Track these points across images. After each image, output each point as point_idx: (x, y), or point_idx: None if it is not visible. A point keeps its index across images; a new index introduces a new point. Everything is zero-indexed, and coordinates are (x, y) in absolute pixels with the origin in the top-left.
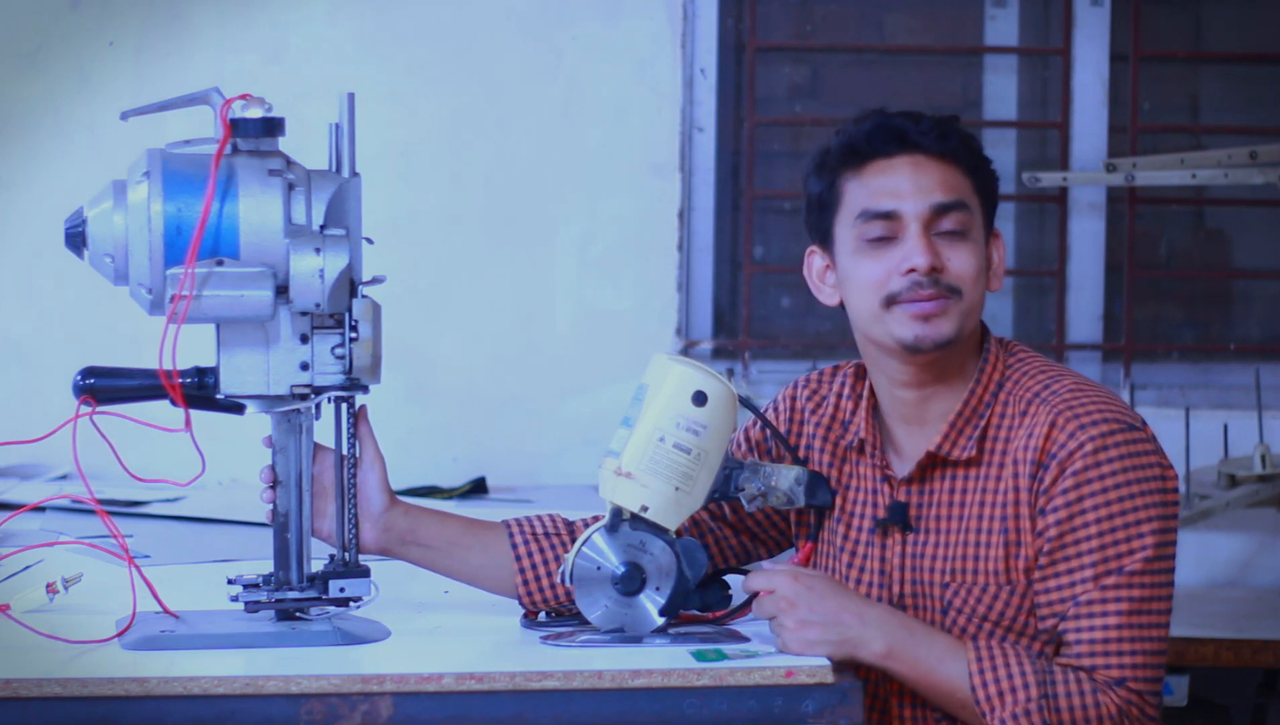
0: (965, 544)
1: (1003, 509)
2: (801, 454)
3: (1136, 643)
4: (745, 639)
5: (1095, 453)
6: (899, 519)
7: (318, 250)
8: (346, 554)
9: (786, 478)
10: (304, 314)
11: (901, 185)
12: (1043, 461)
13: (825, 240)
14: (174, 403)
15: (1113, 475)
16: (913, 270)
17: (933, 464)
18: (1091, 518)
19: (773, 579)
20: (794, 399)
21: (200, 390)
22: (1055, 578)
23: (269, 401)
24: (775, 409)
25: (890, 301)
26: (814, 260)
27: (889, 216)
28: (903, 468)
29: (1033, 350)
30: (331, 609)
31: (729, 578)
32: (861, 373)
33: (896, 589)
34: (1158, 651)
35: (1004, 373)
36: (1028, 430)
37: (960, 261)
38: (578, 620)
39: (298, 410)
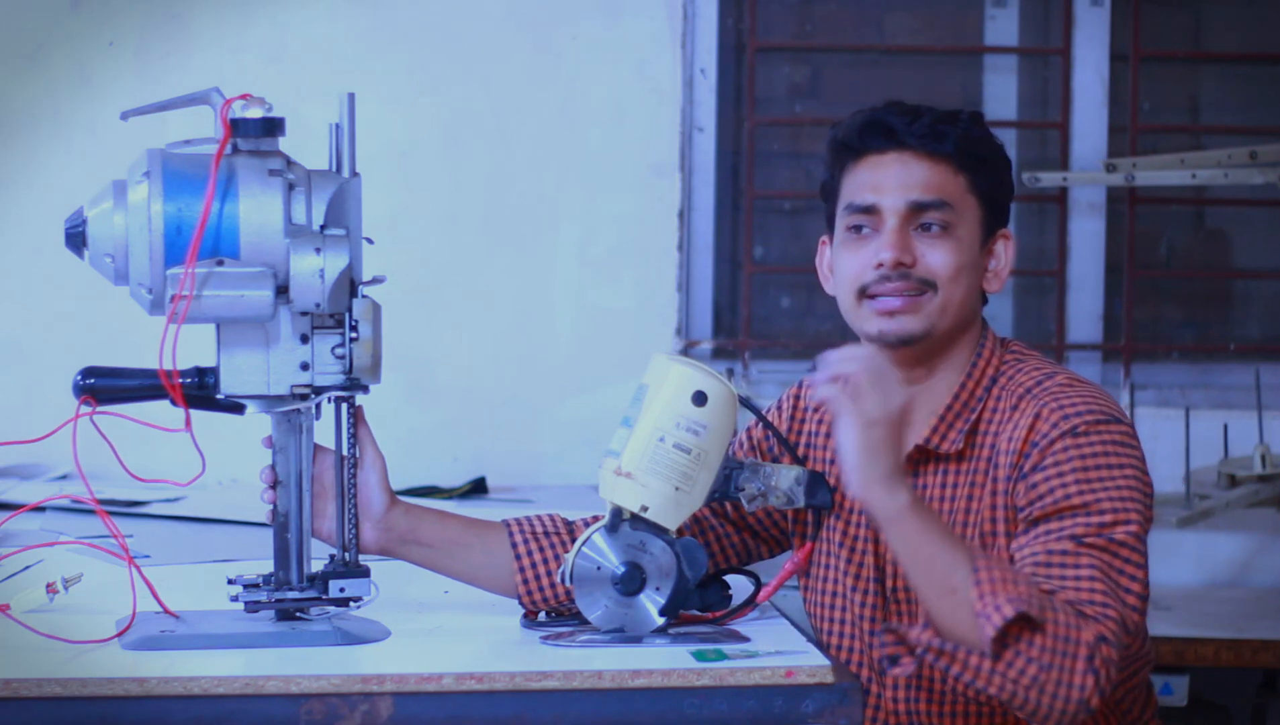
0: None
1: (985, 502)
2: (804, 451)
3: (1110, 595)
4: (745, 639)
5: (1077, 434)
6: None
7: (318, 250)
8: (346, 554)
9: (786, 478)
10: (304, 314)
11: (885, 180)
12: (1025, 451)
13: (831, 230)
14: (174, 403)
15: (1094, 456)
16: (881, 264)
17: (924, 458)
18: (1074, 488)
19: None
20: (798, 398)
21: (200, 390)
22: (1036, 539)
23: (269, 401)
24: (779, 408)
25: (862, 294)
26: (824, 250)
27: (869, 210)
28: None
29: (1030, 349)
30: (331, 609)
31: (728, 577)
32: None
33: (890, 583)
34: (1128, 616)
35: (998, 368)
36: (1014, 424)
37: (936, 257)
38: (578, 620)
39: (298, 410)
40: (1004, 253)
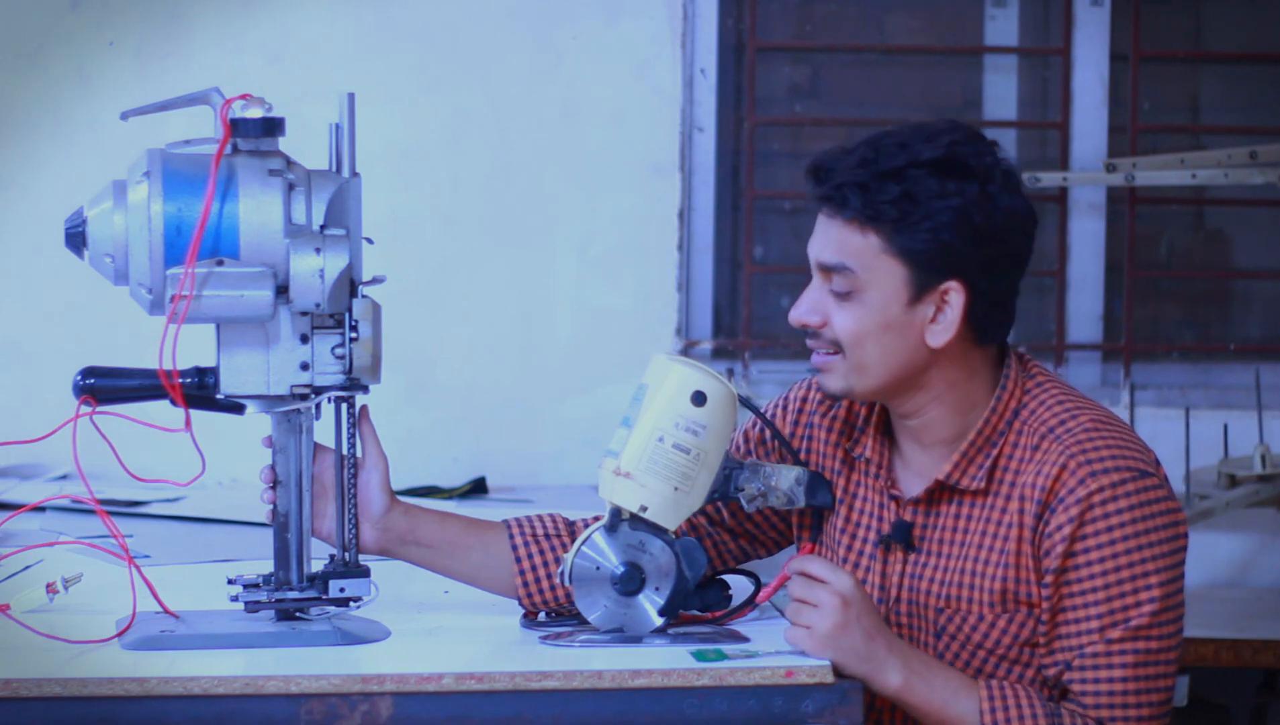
0: (964, 571)
1: (1004, 542)
2: (807, 451)
3: (1142, 694)
4: (745, 639)
5: (1104, 503)
6: (903, 538)
7: (318, 250)
8: (346, 554)
9: (786, 478)
10: (304, 314)
11: (814, 235)
12: (1049, 502)
13: None
14: (174, 403)
15: (1120, 527)
16: None
17: (941, 490)
18: (1098, 569)
19: (837, 574)
20: (804, 401)
21: (200, 390)
22: (1063, 625)
23: (269, 401)
24: (784, 405)
25: None
26: None
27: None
28: (909, 484)
29: (1053, 374)
30: (331, 609)
31: (728, 577)
32: None
33: (894, 593)
34: (1163, 702)
35: (1020, 400)
36: (1037, 466)
37: (840, 321)
38: (578, 620)
39: (298, 410)
40: (956, 303)
